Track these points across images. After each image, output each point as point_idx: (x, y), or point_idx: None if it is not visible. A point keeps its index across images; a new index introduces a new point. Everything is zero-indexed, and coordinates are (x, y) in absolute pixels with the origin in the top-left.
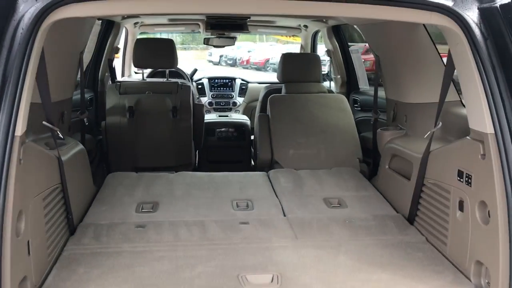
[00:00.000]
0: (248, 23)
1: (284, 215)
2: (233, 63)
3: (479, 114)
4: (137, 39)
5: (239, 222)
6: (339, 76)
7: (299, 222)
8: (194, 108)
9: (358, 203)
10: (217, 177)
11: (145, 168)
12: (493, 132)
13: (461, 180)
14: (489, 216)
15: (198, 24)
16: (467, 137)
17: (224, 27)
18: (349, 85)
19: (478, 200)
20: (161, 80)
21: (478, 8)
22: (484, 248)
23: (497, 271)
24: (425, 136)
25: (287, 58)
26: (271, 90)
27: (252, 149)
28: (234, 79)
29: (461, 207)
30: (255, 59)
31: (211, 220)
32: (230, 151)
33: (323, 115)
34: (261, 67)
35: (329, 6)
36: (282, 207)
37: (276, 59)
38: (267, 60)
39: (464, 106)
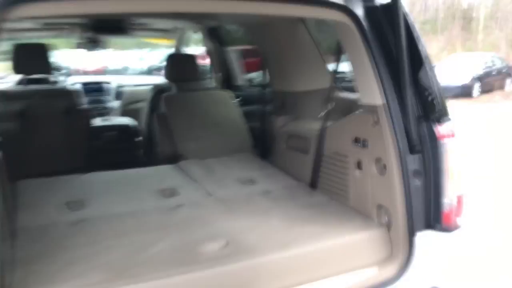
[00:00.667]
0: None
1: (210, 195)
2: (67, 73)
3: (371, 90)
4: (18, 44)
5: (174, 206)
6: (220, 74)
7: (226, 199)
8: (83, 112)
9: (266, 179)
10: (130, 173)
11: (39, 175)
12: (383, 103)
13: (358, 144)
14: (385, 168)
15: (69, 29)
16: (358, 111)
17: (106, 30)
18: (227, 82)
19: (374, 158)
20: (45, 85)
21: (362, 6)
22: (383, 194)
23: (395, 209)
24: (319, 116)
25: (174, 58)
26: (160, 90)
27: (141, 149)
28: (108, 83)
29: (359, 166)
30: (91, 67)
31: (145, 209)
32: (118, 153)
33: (214, 109)
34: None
35: (236, 4)
36: (205, 190)
37: (114, 66)
38: (105, 68)
39: (340, 90)
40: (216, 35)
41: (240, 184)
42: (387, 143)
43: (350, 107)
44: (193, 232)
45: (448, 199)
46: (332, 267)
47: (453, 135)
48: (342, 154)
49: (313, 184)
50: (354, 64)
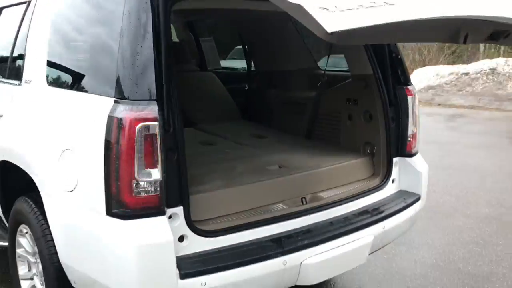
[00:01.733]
0: None
1: (241, 144)
2: None
3: (362, 64)
4: None
5: (222, 150)
6: (194, 60)
7: (254, 145)
8: None
9: (272, 135)
10: None
11: None
12: (371, 73)
13: (349, 103)
14: (370, 117)
15: None
16: (350, 79)
17: None
18: (201, 67)
19: (363, 110)
20: None
21: None
22: (369, 134)
23: (379, 143)
24: (318, 84)
25: None
26: None
27: None
28: None
29: (350, 118)
30: None
31: (203, 152)
32: None
33: (206, 87)
34: None
35: None
36: (233, 142)
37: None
38: None
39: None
40: (192, 27)
41: (256, 138)
42: (375, 99)
43: (334, 79)
44: (253, 162)
45: (409, 135)
46: (340, 180)
47: (414, 94)
48: (336, 111)
49: (308, 136)
50: (348, 48)
